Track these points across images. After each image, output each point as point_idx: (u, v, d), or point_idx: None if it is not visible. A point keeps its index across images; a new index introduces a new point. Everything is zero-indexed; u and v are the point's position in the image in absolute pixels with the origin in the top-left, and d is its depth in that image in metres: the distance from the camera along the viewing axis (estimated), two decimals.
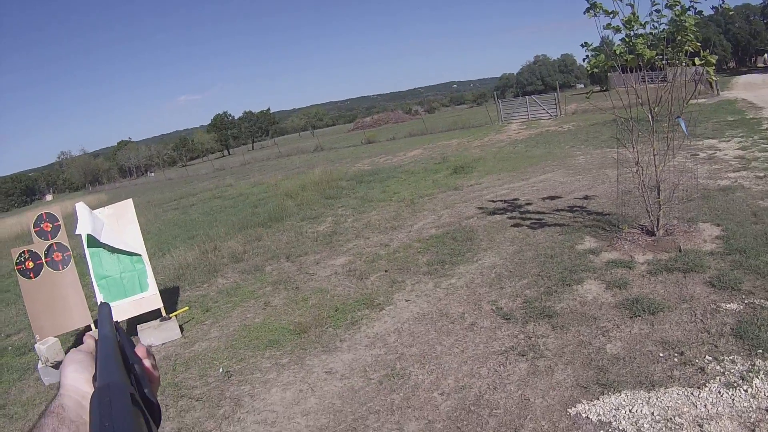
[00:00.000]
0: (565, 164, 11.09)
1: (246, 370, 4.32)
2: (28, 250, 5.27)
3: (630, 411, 2.80)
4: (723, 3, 5.56)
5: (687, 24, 4.60)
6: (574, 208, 7.12)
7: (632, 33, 4.93)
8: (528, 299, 4.52)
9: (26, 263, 5.23)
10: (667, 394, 2.87)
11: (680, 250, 4.86)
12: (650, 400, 2.85)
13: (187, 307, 6.07)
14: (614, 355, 3.40)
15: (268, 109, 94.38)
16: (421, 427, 3.10)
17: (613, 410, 2.84)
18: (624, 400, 2.90)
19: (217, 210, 14.35)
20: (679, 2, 4.65)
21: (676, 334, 3.48)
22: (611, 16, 4.97)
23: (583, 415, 2.86)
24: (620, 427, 2.70)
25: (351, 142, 35.32)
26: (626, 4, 4.87)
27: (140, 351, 0.67)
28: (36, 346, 4.96)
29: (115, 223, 5.64)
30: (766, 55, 60.28)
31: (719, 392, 2.79)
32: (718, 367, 3.02)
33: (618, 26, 4.98)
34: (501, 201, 8.51)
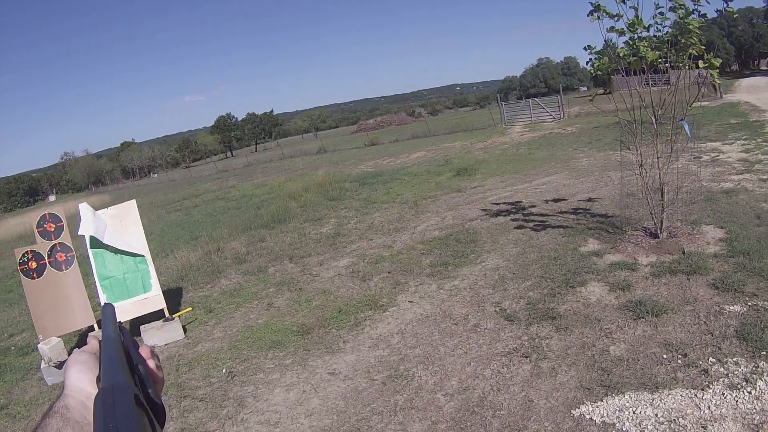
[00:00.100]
0: (569, 167, 11.08)
1: (249, 371, 4.33)
2: (32, 251, 5.29)
3: (633, 412, 2.80)
4: (727, 6, 5.55)
5: (691, 27, 4.59)
6: (578, 211, 7.12)
7: (636, 36, 4.93)
8: (531, 301, 4.52)
9: (29, 263, 5.24)
10: (670, 396, 2.87)
11: (683, 253, 4.85)
12: (654, 402, 2.85)
13: (190, 308, 6.08)
14: (618, 356, 3.39)
15: (272, 110, 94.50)
16: (424, 428, 3.10)
17: (617, 412, 2.84)
18: (627, 402, 2.90)
19: (220, 211, 14.38)
20: (683, 5, 4.65)
21: (679, 336, 3.48)
22: (615, 18, 4.97)
23: (587, 417, 2.86)
24: (624, 429, 2.69)
25: (354, 144, 35.37)
26: (630, 7, 4.87)
27: (144, 351, 0.67)
28: (39, 346, 4.97)
29: (118, 224, 5.65)
30: None
31: (723, 394, 2.79)
32: (721, 369, 3.01)
33: (622, 29, 4.98)
34: (504, 203, 8.51)
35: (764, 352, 3.07)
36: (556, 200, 8.05)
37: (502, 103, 31.41)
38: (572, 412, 2.93)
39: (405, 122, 59.86)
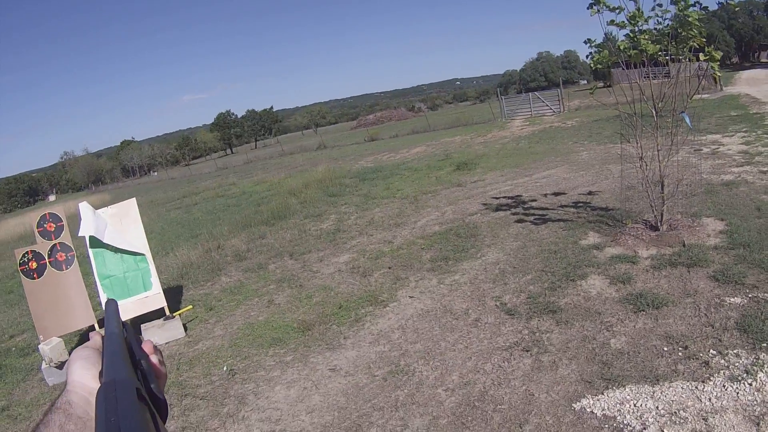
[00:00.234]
0: (569, 160, 11.06)
1: (250, 369, 4.33)
2: (32, 251, 5.28)
3: (634, 405, 2.80)
4: None
5: (691, 19, 4.57)
6: (578, 204, 7.11)
7: (636, 29, 4.90)
8: (532, 295, 4.52)
9: (29, 264, 5.24)
10: (671, 389, 2.87)
11: (684, 245, 4.84)
12: (655, 395, 2.84)
13: (190, 306, 6.08)
14: (618, 349, 3.39)
15: (271, 107, 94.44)
16: (425, 423, 3.10)
17: (618, 405, 2.84)
18: (628, 395, 2.90)
19: (221, 209, 14.37)
20: None
21: (680, 329, 3.47)
22: (616, 12, 4.94)
23: (588, 410, 2.86)
24: (625, 422, 2.69)
25: (354, 140, 35.33)
26: (630, 0, 4.85)
27: (147, 347, 0.67)
28: (40, 346, 4.96)
29: (118, 222, 5.64)
30: None
31: (724, 386, 2.78)
32: (722, 361, 3.01)
33: (622, 22, 4.96)
34: (504, 197, 8.50)
35: (765, 344, 3.06)
36: (556, 194, 8.04)
37: (502, 97, 31.37)
38: (573, 405, 2.93)
39: (405, 117, 59.83)
